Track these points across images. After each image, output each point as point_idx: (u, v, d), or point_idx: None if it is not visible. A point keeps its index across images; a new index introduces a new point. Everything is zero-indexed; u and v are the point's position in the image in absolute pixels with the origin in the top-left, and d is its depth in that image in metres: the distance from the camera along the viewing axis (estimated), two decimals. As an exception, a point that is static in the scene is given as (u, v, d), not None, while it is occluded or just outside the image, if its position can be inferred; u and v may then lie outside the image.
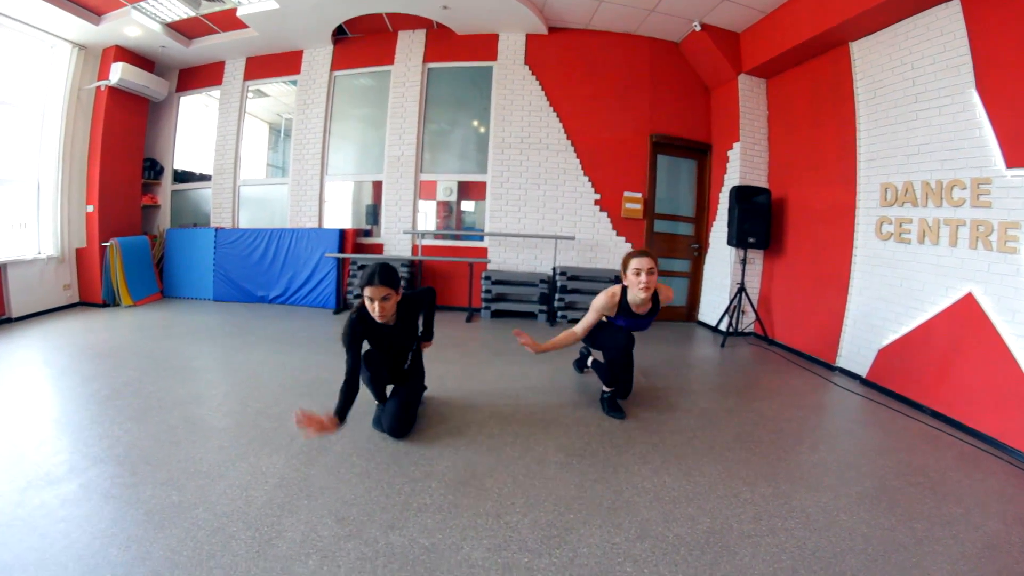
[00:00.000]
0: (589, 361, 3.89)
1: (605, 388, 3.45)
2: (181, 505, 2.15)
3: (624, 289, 3.26)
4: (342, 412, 2.55)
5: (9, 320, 5.08)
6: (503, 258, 6.63)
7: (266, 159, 7.98)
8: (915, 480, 2.64)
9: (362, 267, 6.63)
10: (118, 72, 6.00)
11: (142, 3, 5.50)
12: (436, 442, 2.88)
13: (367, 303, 2.63)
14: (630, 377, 3.49)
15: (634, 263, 3.14)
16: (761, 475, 2.64)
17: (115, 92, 6.20)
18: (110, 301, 6.10)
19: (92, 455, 2.53)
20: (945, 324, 3.61)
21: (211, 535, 1.96)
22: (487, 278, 6.32)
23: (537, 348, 3.16)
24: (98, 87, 6.10)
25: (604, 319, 3.39)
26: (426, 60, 6.61)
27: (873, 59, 4.31)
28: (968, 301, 3.45)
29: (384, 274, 2.61)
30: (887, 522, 2.24)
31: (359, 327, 2.71)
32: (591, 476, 2.56)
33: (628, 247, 6.51)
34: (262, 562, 1.83)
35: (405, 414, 2.89)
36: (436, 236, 6.85)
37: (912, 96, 3.93)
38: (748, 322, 5.78)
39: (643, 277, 3.10)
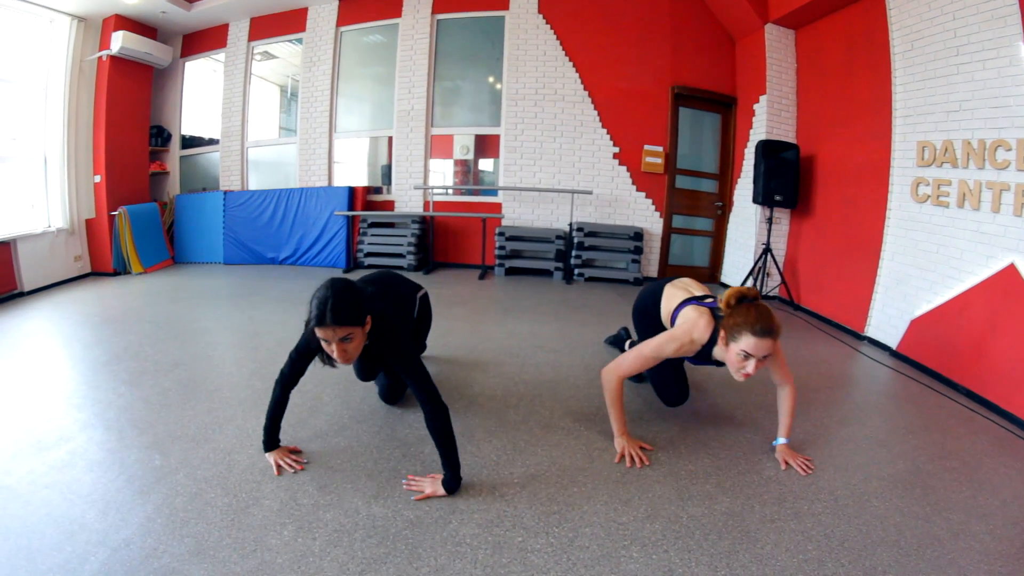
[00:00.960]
0: (627, 344, 3.37)
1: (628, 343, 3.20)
2: (162, 470, 2.07)
3: (714, 333, 2.22)
4: (270, 439, 2.15)
5: (21, 294, 5.06)
6: (518, 213, 6.43)
7: (278, 122, 7.85)
8: (949, 465, 2.41)
9: (372, 225, 6.48)
10: (119, 41, 5.81)
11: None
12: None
13: (323, 345, 1.83)
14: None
15: (745, 341, 2.01)
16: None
17: (117, 61, 6.02)
18: (120, 269, 6.05)
19: (82, 420, 2.48)
20: (984, 296, 3.31)
21: (188, 501, 1.87)
22: (501, 234, 6.14)
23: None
24: (100, 57, 5.94)
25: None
26: (435, 11, 6.32)
27: (910, 8, 3.91)
28: (1010, 272, 3.13)
29: (339, 307, 1.74)
30: (921, 511, 2.02)
31: (315, 345, 1.92)
32: (599, 444, 2.39)
33: (648, 203, 6.24)
34: (235, 531, 1.72)
35: (396, 388, 2.67)
36: (450, 191, 6.66)
37: (953, 49, 3.55)
38: (773, 285, 5.52)
39: (750, 366, 2.03)
